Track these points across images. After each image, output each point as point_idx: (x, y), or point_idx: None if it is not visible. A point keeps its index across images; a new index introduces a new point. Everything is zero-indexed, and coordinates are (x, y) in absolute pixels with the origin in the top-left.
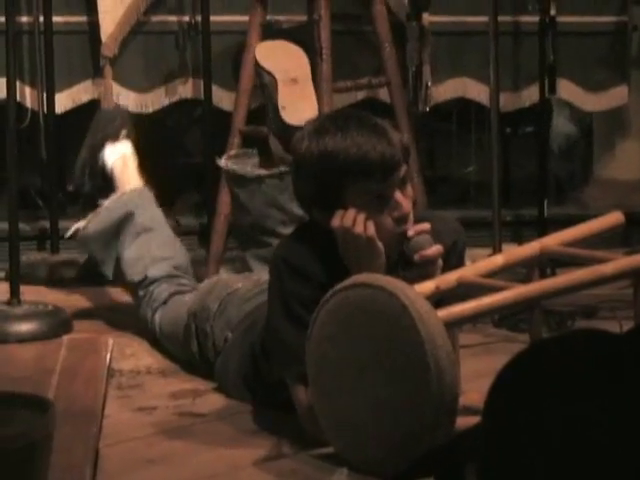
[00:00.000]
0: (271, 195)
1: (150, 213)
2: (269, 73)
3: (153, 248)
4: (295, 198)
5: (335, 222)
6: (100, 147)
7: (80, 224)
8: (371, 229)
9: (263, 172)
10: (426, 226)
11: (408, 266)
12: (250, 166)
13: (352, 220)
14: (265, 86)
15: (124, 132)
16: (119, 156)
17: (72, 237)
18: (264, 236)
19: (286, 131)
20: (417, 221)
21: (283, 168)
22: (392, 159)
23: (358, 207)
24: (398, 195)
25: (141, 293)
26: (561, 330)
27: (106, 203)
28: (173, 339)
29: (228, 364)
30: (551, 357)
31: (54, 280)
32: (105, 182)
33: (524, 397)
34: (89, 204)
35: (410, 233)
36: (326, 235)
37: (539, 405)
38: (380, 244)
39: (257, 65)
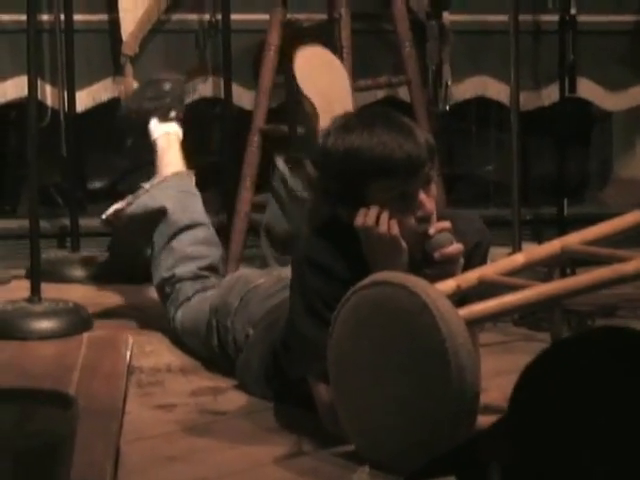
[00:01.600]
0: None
1: (187, 207)
2: (309, 100)
3: (185, 245)
4: (319, 194)
5: (358, 220)
6: (146, 117)
7: (118, 205)
8: (395, 228)
9: (306, 195)
10: (446, 224)
11: (428, 264)
12: (301, 183)
13: (375, 218)
14: (304, 110)
15: (173, 113)
16: (164, 133)
17: (109, 219)
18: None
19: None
20: (441, 220)
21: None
22: (418, 159)
23: (382, 205)
24: (422, 195)
25: (167, 290)
26: (581, 329)
27: (147, 186)
28: (194, 335)
29: (249, 361)
30: (575, 355)
31: (74, 278)
32: (145, 143)
33: (549, 395)
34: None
35: (431, 231)
36: (349, 232)
37: (565, 403)
38: (403, 243)
39: (300, 94)
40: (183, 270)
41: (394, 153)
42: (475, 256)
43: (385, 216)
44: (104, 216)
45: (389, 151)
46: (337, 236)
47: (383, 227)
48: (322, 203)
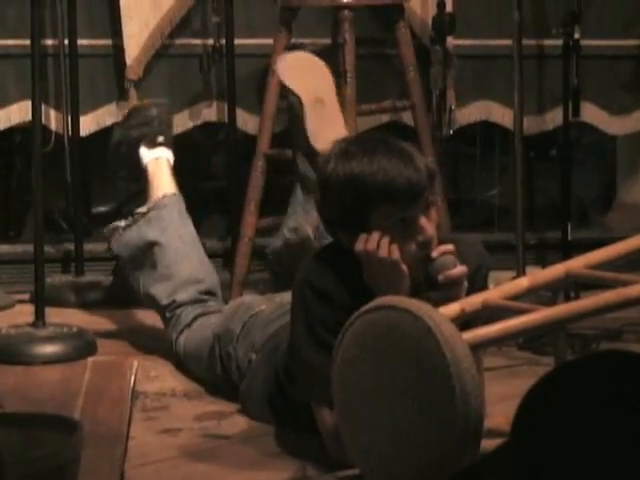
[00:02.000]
0: None
1: (182, 230)
2: (294, 94)
3: (182, 271)
4: (320, 220)
5: (359, 246)
6: (134, 145)
7: (120, 223)
8: (395, 252)
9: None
10: (450, 247)
11: (433, 288)
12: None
13: (376, 243)
14: (291, 107)
15: (161, 138)
16: (152, 159)
17: (109, 234)
18: None
19: (315, 155)
20: (442, 244)
21: None
22: (418, 185)
23: (382, 231)
24: (422, 220)
25: (168, 315)
26: (585, 352)
27: (142, 209)
28: (198, 361)
29: (252, 386)
30: (579, 378)
31: (79, 302)
32: (138, 172)
33: (552, 418)
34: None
35: (434, 254)
36: (350, 257)
37: (567, 427)
38: (404, 267)
39: (281, 83)
40: (183, 296)
41: (395, 180)
42: (477, 280)
43: (385, 241)
44: (105, 231)
45: (390, 178)
46: (338, 261)
47: (384, 252)
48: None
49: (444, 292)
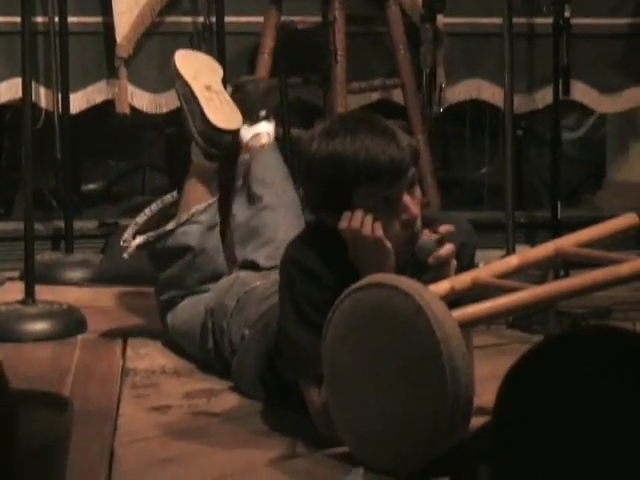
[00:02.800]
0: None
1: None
2: (185, 82)
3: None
4: (304, 200)
5: (343, 224)
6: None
7: (139, 240)
8: (379, 230)
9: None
10: (450, 227)
11: (422, 271)
12: None
13: (360, 222)
14: (181, 94)
15: (263, 113)
16: (254, 134)
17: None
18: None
19: (214, 139)
20: (428, 222)
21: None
22: (401, 163)
23: (366, 210)
24: (406, 198)
25: (163, 294)
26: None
27: (170, 226)
28: (189, 337)
29: (244, 362)
30: (562, 354)
31: (69, 280)
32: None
33: (535, 394)
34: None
35: (443, 230)
36: (334, 237)
37: (550, 402)
38: (389, 244)
39: (175, 71)
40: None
41: (377, 158)
42: (462, 257)
43: (369, 219)
44: (126, 255)
45: (372, 156)
46: (323, 241)
47: (367, 229)
48: (306, 208)
49: (434, 273)
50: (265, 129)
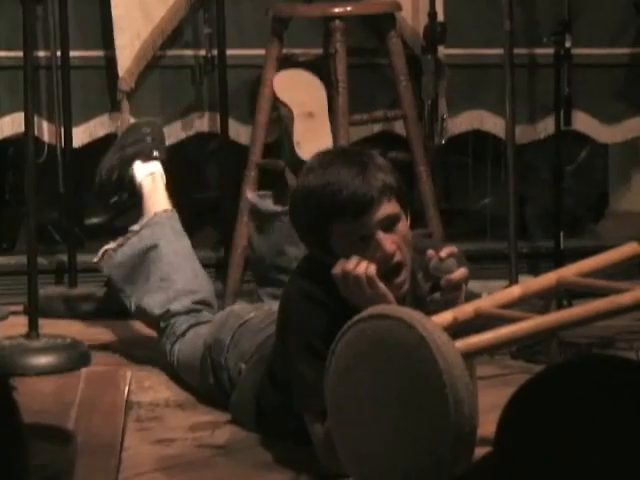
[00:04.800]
0: (286, 232)
1: (176, 244)
2: (286, 106)
3: (177, 282)
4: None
5: (336, 269)
6: (130, 162)
7: (110, 246)
8: (372, 269)
9: (279, 208)
10: (454, 249)
11: (433, 290)
12: (268, 203)
13: (354, 264)
14: (282, 118)
15: (156, 152)
16: (148, 173)
17: (99, 260)
18: (280, 274)
19: (300, 166)
20: (419, 251)
21: None
22: (363, 197)
23: (343, 248)
24: (379, 235)
25: (162, 325)
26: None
27: (136, 227)
28: (191, 371)
29: (241, 398)
30: (563, 384)
31: (72, 314)
32: (131, 196)
33: (535, 426)
34: (114, 213)
35: (442, 254)
36: (328, 270)
37: (551, 433)
38: (382, 285)
39: (275, 96)
40: (177, 306)
41: (341, 192)
42: None
43: (363, 261)
44: (96, 259)
45: (335, 190)
46: (321, 272)
47: (361, 269)
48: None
49: (444, 295)
50: (158, 169)
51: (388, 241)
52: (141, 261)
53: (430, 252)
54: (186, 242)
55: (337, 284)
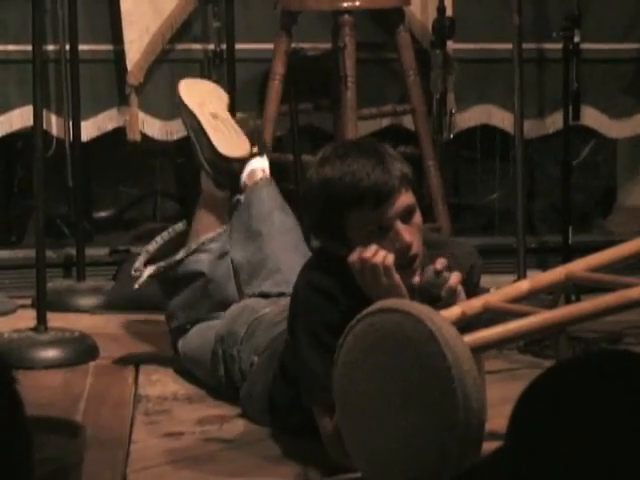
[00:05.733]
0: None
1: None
2: (190, 112)
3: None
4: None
5: (353, 257)
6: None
7: (150, 271)
8: (389, 259)
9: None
10: (443, 260)
11: (434, 303)
12: None
13: (372, 252)
14: (188, 124)
15: (254, 149)
16: (249, 171)
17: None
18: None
19: (221, 167)
20: (431, 246)
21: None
22: (385, 186)
23: (360, 238)
24: (398, 225)
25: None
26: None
27: (181, 255)
28: (200, 364)
29: (252, 391)
30: (577, 378)
31: (80, 307)
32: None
33: (550, 421)
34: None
35: (438, 267)
36: (340, 262)
37: (566, 429)
38: (397, 277)
39: (180, 101)
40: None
41: (361, 181)
42: (471, 278)
43: (381, 250)
44: (137, 285)
45: (356, 179)
46: (332, 266)
47: (378, 257)
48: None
49: (445, 303)
50: (259, 165)
51: (406, 232)
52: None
53: (427, 271)
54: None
55: (353, 271)
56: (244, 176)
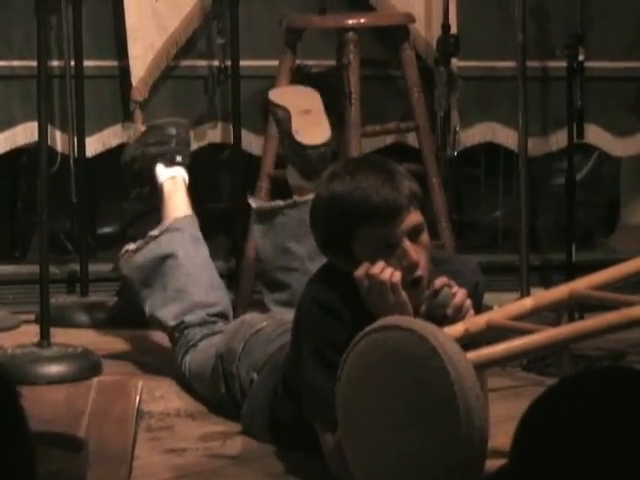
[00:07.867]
0: (291, 227)
1: (194, 254)
2: (283, 108)
3: (193, 294)
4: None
5: (360, 271)
6: (152, 161)
7: (130, 247)
8: (397, 277)
9: (281, 203)
10: (444, 279)
11: (440, 322)
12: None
13: (380, 268)
14: (279, 122)
15: (179, 158)
16: (169, 177)
17: (120, 257)
18: (286, 275)
19: (301, 154)
20: (436, 263)
21: (297, 198)
22: (394, 203)
23: (367, 254)
24: (406, 243)
25: (176, 335)
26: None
27: (155, 232)
28: (202, 381)
29: (253, 408)
30: (580, 396)
31: (84, 323)
32: (152, 190)
33: (553, 437)
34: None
35: (437, 284)
36: (346, 278)
37: (569, 445)
38: (404, 294)
39: (271, 105)
40: (192, 317)
41: (371, 197)
42: (474, 296)
43: (389, 267)
44: (120, 255)
45: (366, 195)
46: (338, 281)
47: (386, 274)
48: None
49: (452, 320)
50: (180, 174)
51: (413, 250)
52: (158, 267)
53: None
54: (204, 251)
55: (358, 287)
56: (163, 178)
